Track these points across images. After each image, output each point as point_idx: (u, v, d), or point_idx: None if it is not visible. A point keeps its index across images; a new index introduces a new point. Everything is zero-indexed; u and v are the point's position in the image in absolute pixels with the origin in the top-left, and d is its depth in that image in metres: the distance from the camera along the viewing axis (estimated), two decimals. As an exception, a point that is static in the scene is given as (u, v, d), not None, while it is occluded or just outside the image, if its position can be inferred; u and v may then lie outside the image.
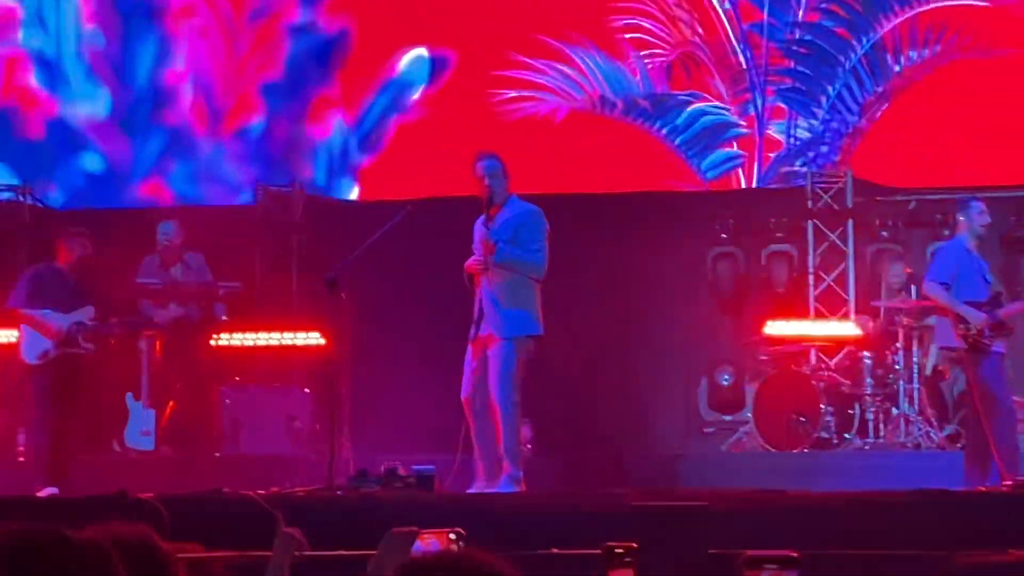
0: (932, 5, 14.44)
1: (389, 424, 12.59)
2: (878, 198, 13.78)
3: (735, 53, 14.73)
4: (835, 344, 13.07)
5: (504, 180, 9.42)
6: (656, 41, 14.75)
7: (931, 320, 11.69)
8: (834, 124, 14.50)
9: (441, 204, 12.26)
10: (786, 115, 14.70)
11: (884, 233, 13.67)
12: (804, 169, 14.25)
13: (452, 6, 14.91)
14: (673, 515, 7.51)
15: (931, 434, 12.06)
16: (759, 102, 14.61)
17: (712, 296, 14.03)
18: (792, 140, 14.71)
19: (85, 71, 15.06)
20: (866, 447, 12.26)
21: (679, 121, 14.68)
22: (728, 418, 13.52)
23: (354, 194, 15.15)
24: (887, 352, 12.45)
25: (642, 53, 14.81)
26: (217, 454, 12.28)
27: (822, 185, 13.63)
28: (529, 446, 11.82)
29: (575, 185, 13.84)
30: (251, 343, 12.71)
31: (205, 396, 12.54)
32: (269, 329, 12.78)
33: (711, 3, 14.67)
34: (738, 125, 14.65)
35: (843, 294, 13.41)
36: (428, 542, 3.98)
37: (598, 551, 5.07)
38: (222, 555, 5.38)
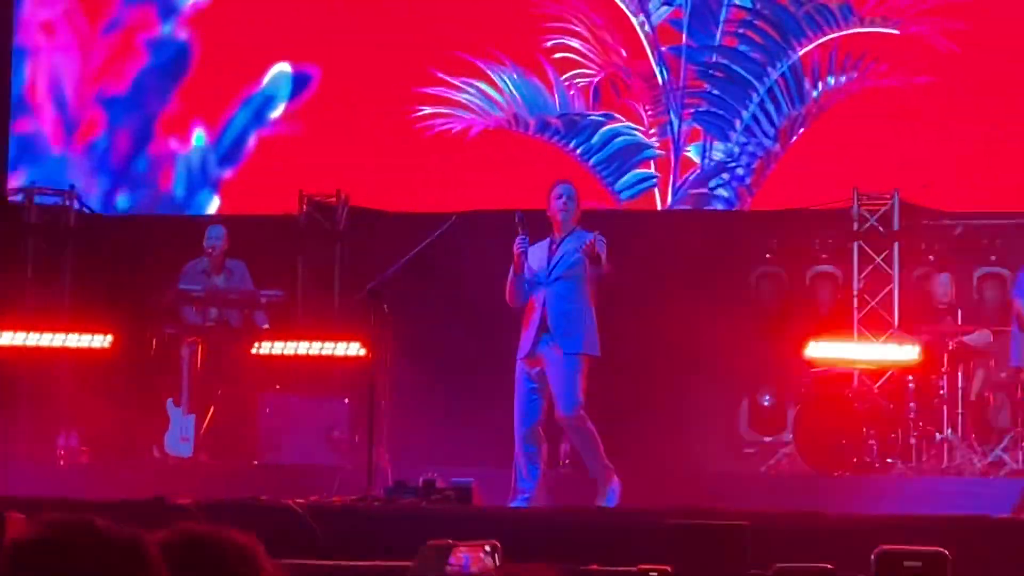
0: (842, 32, 14.31)
1: (428, 436, 12.56)
2: (924, 222, 13.68)
3: (655, 75, 14.67)
4: (879, 367, 12.97)
5: (576, 205, 9.60)
6: (584, 62, 14.69)
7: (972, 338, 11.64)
8: (749, 147, 14.42)
9: (486, 216, 12.24)
10: (701, 137, 14.63)
11: (931, 257, 13.59)
12: (718, 192, 14.32)
13: (350, 22, 14.63)
14: (711, 534, 7.46)
15: (974, 460, 11.95)
16: (675, 124, 14.55)
17: (755, 316, 13.95)
18: (707, 162, 14.63)
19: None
20: (908, 472, 12.16)
21: (594, 141, 14.62)
22: (769, 439, 13.44)
23: (214, 207, 14.94)
24: (932, 376, 12.35)
25: (570, 73, 14.70)
26: (255, 462, 12.29)
27: (868, 207, 13.55)
28: (567, 461, 11.78)
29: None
30: (292, 352, 12.71)
31: (245, 404, 12.56)
32: (310, 338, 12.77)
33: (633, 25, 14.62)
34: (652, 146, 14.60)
35: (888, 317, 13.31)
36: (461, 556, 3.94)
37: (632, 569, 5.05)
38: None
